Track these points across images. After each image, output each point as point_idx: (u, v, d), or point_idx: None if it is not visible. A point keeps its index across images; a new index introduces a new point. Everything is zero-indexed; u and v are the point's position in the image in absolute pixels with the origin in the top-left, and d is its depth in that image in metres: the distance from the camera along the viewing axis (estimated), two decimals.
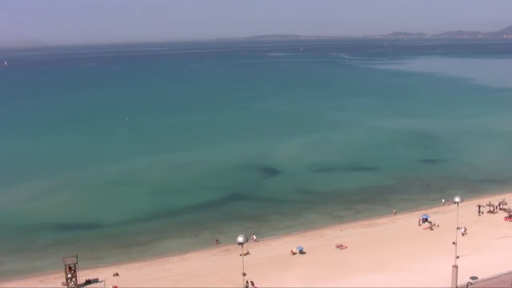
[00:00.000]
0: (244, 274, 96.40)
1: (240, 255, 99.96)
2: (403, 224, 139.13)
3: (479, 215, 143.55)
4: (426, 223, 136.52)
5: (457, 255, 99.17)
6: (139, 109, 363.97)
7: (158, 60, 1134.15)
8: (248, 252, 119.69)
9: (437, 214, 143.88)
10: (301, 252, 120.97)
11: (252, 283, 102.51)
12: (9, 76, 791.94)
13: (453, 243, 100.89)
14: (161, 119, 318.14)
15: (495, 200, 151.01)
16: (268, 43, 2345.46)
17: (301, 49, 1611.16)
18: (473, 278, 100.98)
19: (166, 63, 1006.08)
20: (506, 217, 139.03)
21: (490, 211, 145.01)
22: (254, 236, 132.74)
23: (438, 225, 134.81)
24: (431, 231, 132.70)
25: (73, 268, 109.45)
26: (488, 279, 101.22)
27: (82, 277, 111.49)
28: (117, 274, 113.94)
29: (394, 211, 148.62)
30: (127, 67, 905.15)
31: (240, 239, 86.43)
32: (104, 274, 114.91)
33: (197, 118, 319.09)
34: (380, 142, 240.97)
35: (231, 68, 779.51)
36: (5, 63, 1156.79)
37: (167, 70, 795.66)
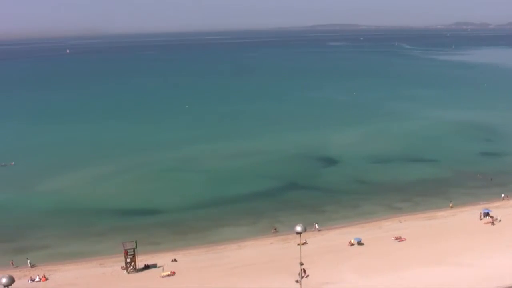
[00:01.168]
0: (301, 264, 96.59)
1: (298, 244, 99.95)
2: (463, 218, 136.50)
3: None
4: (487, 217, 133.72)
5: None
6: (199, 98, 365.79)
7: (218, 49, 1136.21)
8: (305, 241, 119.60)
9: (498, 209, 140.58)
10: (359, 243, 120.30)
11: (304, 271, 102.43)
12: (71, 63, 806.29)
13: None
14: (220, 107, 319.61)
15: None
16: (327, 33, 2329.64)
17: (361, 38, 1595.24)
18: None
19: (226, 52, 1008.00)
20: None
21: None
22: (316, 225, 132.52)
23: (500, 220, 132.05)
24: (492, 226, 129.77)
25: (132, 253, 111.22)
26: None
27: (140, 262, 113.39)
28: (175, 260, 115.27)
29: (450, 205, 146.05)
30: (188, 56, 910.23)
31: (298, 228, 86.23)
32: (162, 259, 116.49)
33: (256, 107, 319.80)
34: (440, 134, 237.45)
35: (290, 57, 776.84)
36: (68, 50, 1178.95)
37: (226, 59, 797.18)
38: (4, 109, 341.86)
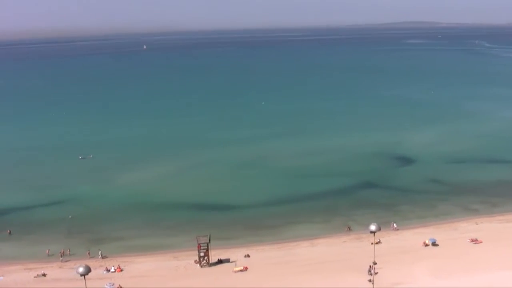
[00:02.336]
0: (374, 263, 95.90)
1: (372, 243, 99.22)
2: None
3: None
4: None
5: None
6: (275, 95, 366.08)
7: (294, 46, 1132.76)
8: (379, 241, 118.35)
9: None
10: (434, 244, 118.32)
11: (374, 268, 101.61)
12: (148, 59, 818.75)
13: None
14: (295, 105, 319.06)
15: None
16: (405, 30, 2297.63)
17: (439, 36, 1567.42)
18: None
19: (301, 49, 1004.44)
20: None
21: None
22: (394, 224, 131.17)
23: None
24: None
25: (205, 247, 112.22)
26: None
27: (214, 256, 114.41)
28: (248, 256, 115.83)
29: None
30: (263, 52, 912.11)
31: (373, 227, 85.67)
32: (235, 254, 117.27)
33: (331, 104, 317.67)
34: None
35: (366, 56, 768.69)
36: (145, 46, 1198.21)
37: (301, 56, 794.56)
38: (84, 104, 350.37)
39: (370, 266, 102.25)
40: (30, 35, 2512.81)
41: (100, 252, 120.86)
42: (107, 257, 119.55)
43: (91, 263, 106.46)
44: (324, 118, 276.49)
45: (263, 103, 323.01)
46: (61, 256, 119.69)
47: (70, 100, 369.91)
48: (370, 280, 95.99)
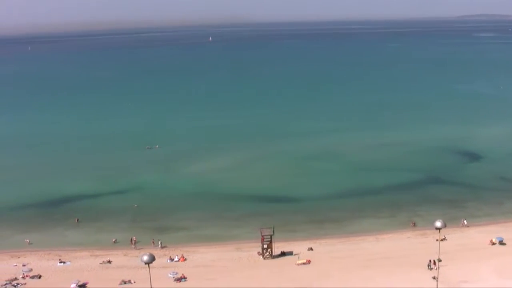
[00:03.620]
0: (439, 260, 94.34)
1: (437, 240, 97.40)
2: None
3: None
4: None
5: None
6: (342, 87, 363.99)
7: (362, 39, 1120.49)
8: (444, 237, 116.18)
9: None
10: (501, 243, 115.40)
11: (434, 262, 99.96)
12: (213, 50, 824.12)
13: None
14: (360, 97, 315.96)
15: None
16: (476, 23, 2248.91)
17: (510, 29, 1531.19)
18: None
19: (369, 42, 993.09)
20: None
21: None
22: (465, 220, 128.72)
23: None
24: None
25: (269, 239, 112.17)
26: None
27: (277, 248, 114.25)
28: (311, 249, 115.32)
29: None
30: (329, 45, 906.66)
31: (438, 223, 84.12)
32: (298, 247, 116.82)
33: (395, 97, 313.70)
34: None
35: (435, 48, 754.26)
36: (210, 38, 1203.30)
37: (369, 49, 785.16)
38: (151, 95, 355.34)
39: (430, 261, 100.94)
40: (94, 27, 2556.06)
41: (160, 242, 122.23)
42: (166, 247, 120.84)
43: (155, 251, 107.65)
44: (392, 111, 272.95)
45: (330, 96, 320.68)
46: (134, 244, 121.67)
47: (137, 91, 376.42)
48: (434, 277, 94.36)
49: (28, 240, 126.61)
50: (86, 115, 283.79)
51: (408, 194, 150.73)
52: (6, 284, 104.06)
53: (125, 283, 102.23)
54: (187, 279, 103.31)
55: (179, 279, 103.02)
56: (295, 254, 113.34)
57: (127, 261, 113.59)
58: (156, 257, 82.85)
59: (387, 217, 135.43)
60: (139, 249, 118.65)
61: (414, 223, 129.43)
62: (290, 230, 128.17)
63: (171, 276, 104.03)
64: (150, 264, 79.28)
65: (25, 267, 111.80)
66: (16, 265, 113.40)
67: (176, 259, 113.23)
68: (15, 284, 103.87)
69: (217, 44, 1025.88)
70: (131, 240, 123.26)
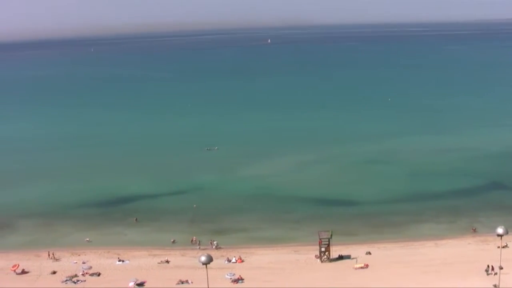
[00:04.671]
0: (500, 268, 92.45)
1: (498, 247, 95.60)
2: None
3: None
4: None
5: None
6: (401, 90, 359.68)
7: (418, 41, 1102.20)
8: (506, 244, 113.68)
9: None
10: None
11: (492, 268, 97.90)
12: (271, 52, 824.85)
13: None
14: (421, 101, 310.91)
15: None
16: None
17: None
18: None
19: (426, 44, 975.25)
20: None
21: None
22: None
23: None
24: None
25: (326, 242, 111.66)
26: None
27: (335, 252, 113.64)
28: (369, 253, 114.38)
29: None
30: (388, 47, 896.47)
31: (500, 230, 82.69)
32: (356, 251, 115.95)
33: (456, 101, 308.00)
34: None
35: (493, 51, 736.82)
36: (269, 40, 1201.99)
37: (426, 51, 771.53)
38: (210, 96, 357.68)
39: (488, 266, 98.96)
40: (154, 29, 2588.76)
41: (216, 242, 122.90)
42: (222, 248, 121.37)
43: (213, 252, 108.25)
44: (451, 114, 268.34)
45: (389, 99, 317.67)
46: (198, 244, 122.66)
47: (196, 92, 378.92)
48: (495, 285, 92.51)
49: (88, 239, 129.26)
50: (147, 116, 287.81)
51: (468, 200, 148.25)
52: (66, 280, 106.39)
53: (182, 283, 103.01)
54: (244, 280, 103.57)
55: (236, 281, 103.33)
56: (352, 258, 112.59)
57: (185, 261, 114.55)
58: (213, 258, 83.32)
59: (447, 223, 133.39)
60: (203, 249, 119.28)
61: (475, 229, 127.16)
62: (348, 233, 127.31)
63: (228, 277, 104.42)
64: (208, 265, 79.74)
65: (85, 264, 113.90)
66: (76, 262, 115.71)
67: (233, 260, 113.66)
68: (75, 281, 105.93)
69: (275, 46, 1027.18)
70: (192, 240, 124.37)
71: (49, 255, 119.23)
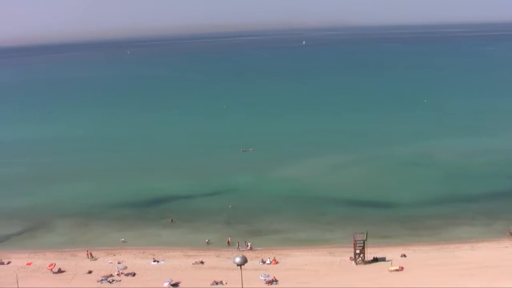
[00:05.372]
0: None
1: None
2: None
3: None
4: None
5: None
6: (437, 91, 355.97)
7: (458, 42, 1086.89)
8: None
9: None
10: None
11: None
12: (306, 54, 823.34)
13: None
14: (458, 102, 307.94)
15: None
16: None
17: None
18: None
19: (464, 45, 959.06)
20: None
21: None
22: None
23: None
24: None
25: (361, 244, 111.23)
26: None
27: (369, 254, 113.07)
28: (404, 255, 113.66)
29: None
30: (426, 48, 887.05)
31: None
32: (391, 253, 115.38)
33: (495, 102, 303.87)
34: None
35: None
36: (303, 42, 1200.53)
37: (464, 51, 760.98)
38: (245, 98, 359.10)
39: None
40: (191, 31, 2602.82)
41: (249, 244, 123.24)
42: (256, 249, 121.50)
43: (248, 253, 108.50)
44: (491, 117, 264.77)
45: (425, 100, 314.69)
46: (238, 247, 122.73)
47: (231, 94, 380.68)
48: None
49: (123, 239, 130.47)
50: (183, 117, 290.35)
51: (506, 202, 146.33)
52: (102, 280, 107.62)
53: (216, 284, 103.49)
54: (278, 282, 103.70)
55: (270, 282, 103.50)
56: (387, 260, 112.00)
57: (220, 262, 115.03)
58: (248, 259, 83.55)
59: (483, 225, 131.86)
60: (242, 250, 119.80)
61: (511, 232, 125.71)
62: (383, 235, 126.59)
63: (263, 278, 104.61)
64: (242, 266, 80.00)
65: (120, 264, 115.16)
66: (111, 262, 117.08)
67: (268, 261, 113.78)
68: (111, 281, 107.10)
69: (310, 48, 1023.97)
70: (228, 241, 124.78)
71: (87, 254, 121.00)
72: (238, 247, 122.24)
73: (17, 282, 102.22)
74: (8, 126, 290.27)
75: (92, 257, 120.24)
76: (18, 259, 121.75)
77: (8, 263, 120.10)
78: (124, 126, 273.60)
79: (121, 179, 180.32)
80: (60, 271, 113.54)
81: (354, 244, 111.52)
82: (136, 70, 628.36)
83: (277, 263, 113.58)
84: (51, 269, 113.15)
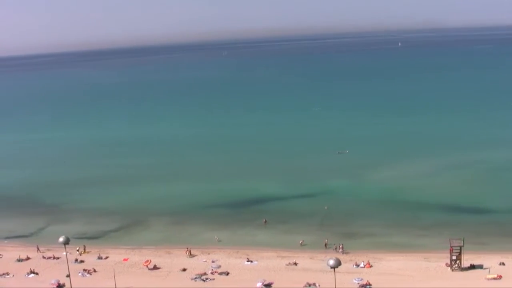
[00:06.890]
0: None
1: None
2: None
3: None
4: None
5: None
6: None
7: None
8: None
9: None
10: None
11: None
12: (402, 56, 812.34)
13: None
14: None
15: None
16: None
17: None
18: None
19: None
20: None
21: None
22: None
23: None
24: None
25: (458, 251, 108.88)
26: None
27: (466, 260, 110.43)
28: (503, 264, 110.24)
29: None
30: None
31: None
32: (489, 261, 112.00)
33: None
34: None
35: None
36: (399, 44, 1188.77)
37: None
38: (339, 100, 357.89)
39: None
40: (287, 33, 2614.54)
41: (341, 246, 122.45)
42: (349, 252, 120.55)
43: (342, 256, 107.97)
44: None
45: None
46: (341, 249, 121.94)
47: (325, 96, 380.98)
48: None
49: (217, 238, 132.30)
50: (279, 118, 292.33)
51: None
52: (196, 278, 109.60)
53: (309, 286, 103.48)
54: (372, 286, 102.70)
55: (363, 286, 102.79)
56: (485, 268, 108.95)
57: (313, 264, 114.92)
58: (342, 262, 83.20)
59: None
60: (346, 253, 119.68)
61: None
62: (481, 242, 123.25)
63: (356, 282, 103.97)
64: (336, 269, 79.71)
65: (214, 263, 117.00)
66: (205, 261, 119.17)
67: (361, 265, 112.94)
68: (204, 279, 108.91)
69: (405, 49, 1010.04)
70: (325, 244, 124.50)
71: (186, 251, 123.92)
72: (335, 249, 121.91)
73: (114, 277, 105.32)
74: (122, 124, 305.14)
75: (191, 254, 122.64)
76: (116, 255, 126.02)
77: (106, 258, 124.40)
78: (221, 126, 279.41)
79: (217, 179, 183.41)
80: (155, 267, 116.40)
81: (450, 250, 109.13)
82: (235, 72, 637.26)
83: (371, 266, 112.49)
84: (147, 266, 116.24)
